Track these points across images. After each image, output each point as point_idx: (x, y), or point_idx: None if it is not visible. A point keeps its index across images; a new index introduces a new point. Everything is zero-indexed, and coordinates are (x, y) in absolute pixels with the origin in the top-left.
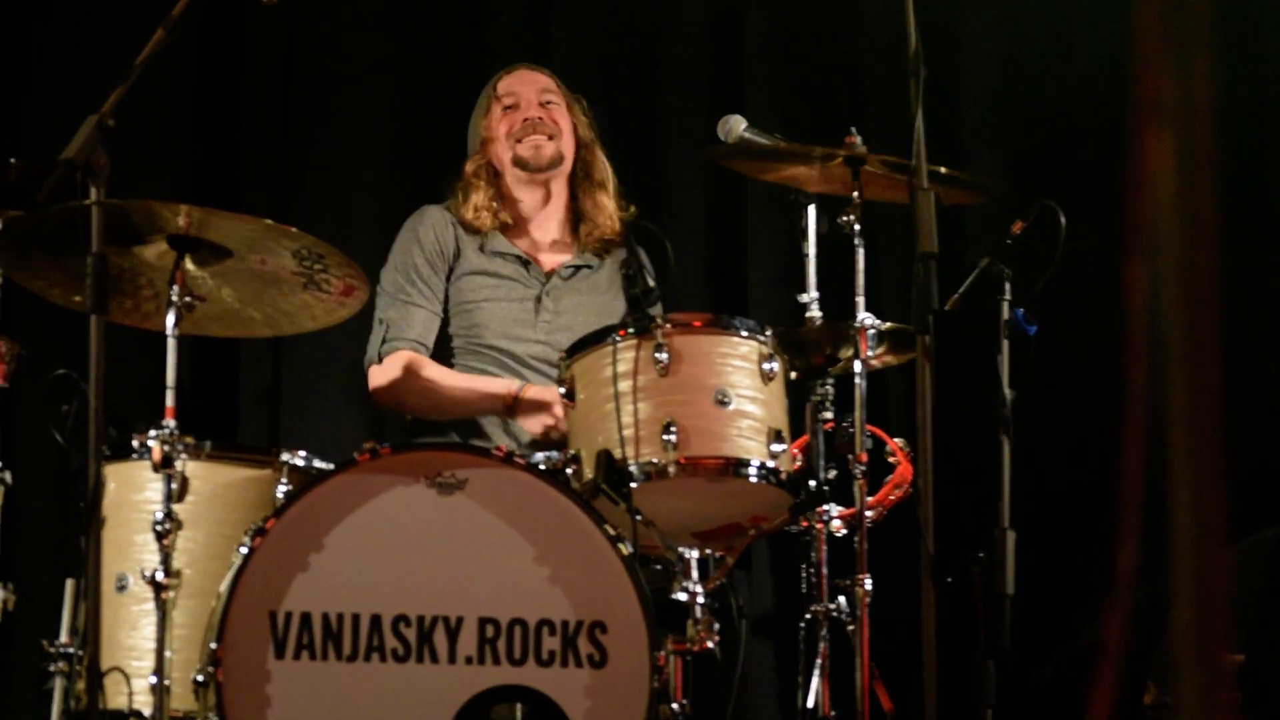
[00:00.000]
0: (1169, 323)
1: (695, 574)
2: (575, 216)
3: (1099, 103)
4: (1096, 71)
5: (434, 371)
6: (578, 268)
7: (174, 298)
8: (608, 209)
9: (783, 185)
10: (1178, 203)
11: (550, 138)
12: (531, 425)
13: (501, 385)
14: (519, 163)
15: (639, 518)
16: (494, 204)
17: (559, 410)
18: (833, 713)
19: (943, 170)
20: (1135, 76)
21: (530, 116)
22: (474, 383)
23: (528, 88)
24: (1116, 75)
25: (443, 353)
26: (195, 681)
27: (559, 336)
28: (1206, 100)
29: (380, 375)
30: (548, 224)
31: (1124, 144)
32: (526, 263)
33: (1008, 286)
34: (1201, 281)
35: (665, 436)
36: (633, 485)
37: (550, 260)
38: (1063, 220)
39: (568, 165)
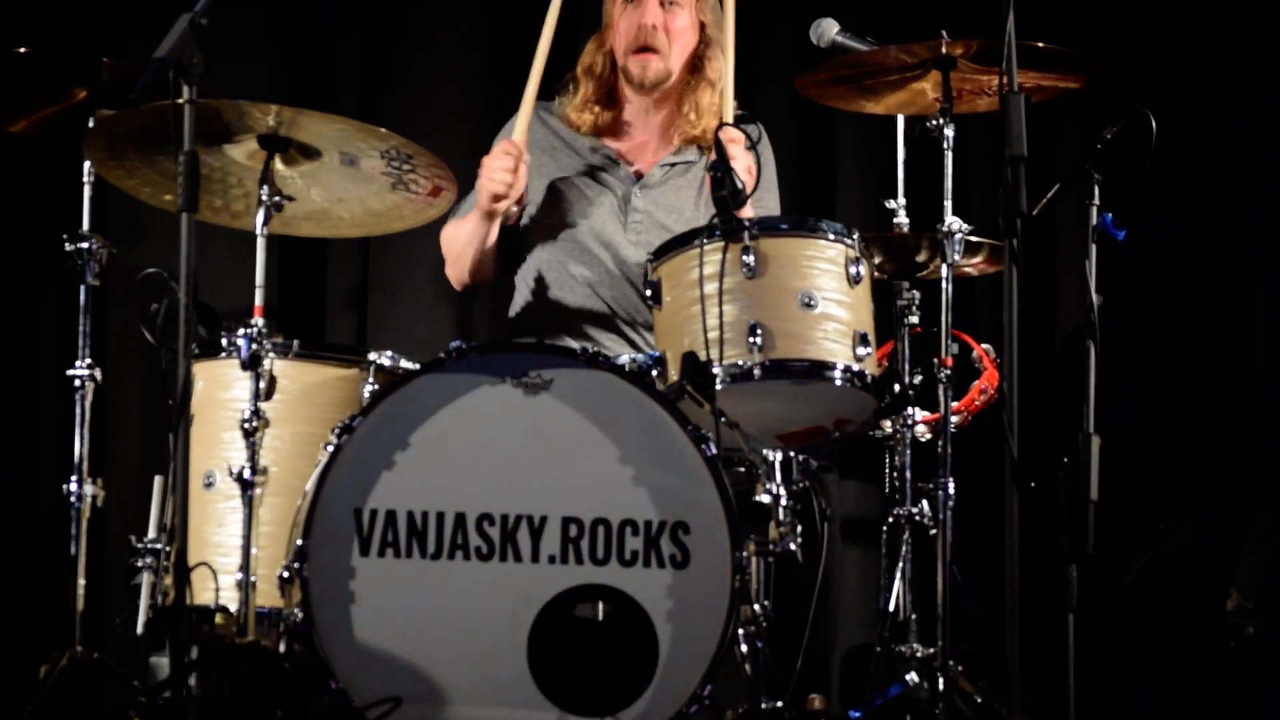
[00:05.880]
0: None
1: (779, 476)
2: (680, 113)
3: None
4: None
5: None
6: (672, 164)
7: (263, 197)
8: (711, 109)
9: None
10: None
11: (659, 53)
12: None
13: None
14: (626, 75)
15: (723, 419)
16: (598, 106)
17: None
18: (914, 616)
19: (1039, 44)
20: None
21: (645, 24)
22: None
23: None
24: None
25: (543, 251)
26: (280, 578)
27: (651, 235)
28: None
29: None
30: (650, 126)
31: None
32: (616, 164)
33: (1097, 191)
34: None
35: (751, 339)
36: (718, 387)
37: (646, 161)
38: (1154, 125)
39: (678, 77)
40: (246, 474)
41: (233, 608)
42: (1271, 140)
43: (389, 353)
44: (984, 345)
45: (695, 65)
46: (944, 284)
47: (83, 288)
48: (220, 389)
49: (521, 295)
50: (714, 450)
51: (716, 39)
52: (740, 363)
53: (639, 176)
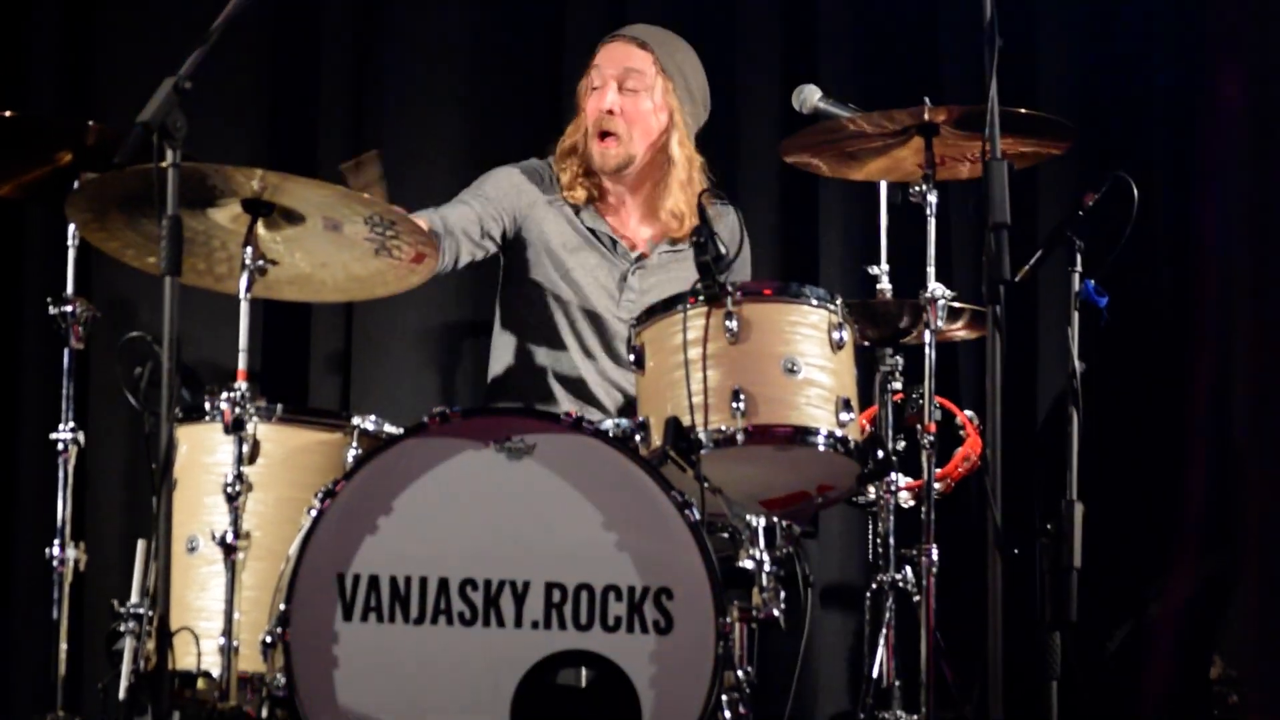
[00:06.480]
0: (1239, 262)
1: (762, 542)
2: (660, 201)
3: (1177, 72)
4: (1174, 39)
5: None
6: (675, 250)
7: (247, 261)
8: (682, 199)
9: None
10: (1251, 137)
11: (618, 139)
12: None
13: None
14: (591, 161)
15: (706, 485)
16: (585, 181)
17: None
18: (897, 682)
19: (1022, 110)
20: (1211, 11)
21: (601, 109)
22: None
23: (613, 68)
24: (1194, 43)
25: (530, 315)
26: (263, 642)
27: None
28: None
29: None
30: (634, 206)
31: (1200, 115)
32: (615, 241)
33: (1079, 258)
34: (1274, 216)
35: (734, 404)
36: (701, 452)
37: (639, 239)
38: (1136, 192)
39: (641, 160)
40: (229, 538)
41: (215, 673)
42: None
43: (372, 417)
44: (967, 412)
45: (669, 154)
46: (927, 350)
47: (66, 351)
48: (203, 453)
49: (503, 359)
50: (697, 516)
51: (679, 124)
52: (723, 428)
53: (640, 256)
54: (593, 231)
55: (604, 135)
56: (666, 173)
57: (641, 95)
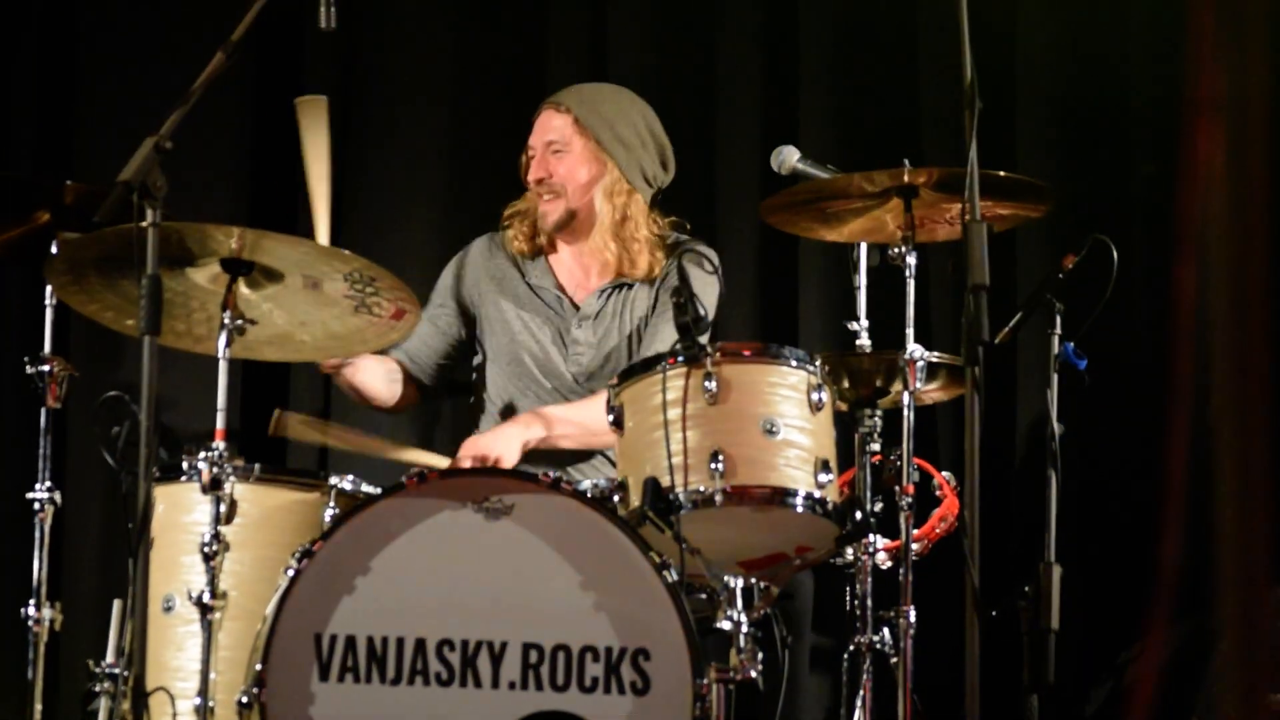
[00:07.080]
0: (1217, 324)
1: (740, 603)
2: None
3: (1158, 132)
4: (1154, 102)
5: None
6: (602, 291)
7: (226, 320)
8: (631, 244)
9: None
10: (1230, 199)
11: (557, 196)
12: None
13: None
14: (538, 222)
15: (685, 545)
16: (530, 231)
17: None
18: None
19: (1001, 174)
20: (1189, 71)
21: (536, 177)
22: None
23: (539, 137)
24: (1174, 105)
25: (500, 379)
26: (239, 703)
27: (594, 367)
28: (1261, 93)
29: None
30: (582, 254)
31: (1180, 174)
32: (559, 298)
33: (1059, 320)
34: (1252, 280)
35: (713, 465)
36: (679, 513)
37: (584, 289)
38: (1115, 255)
39: (585, 211)
40: (206, 598)
41: None
42: None
43: (350, 477)
44: (944, 473)
45: (605, 195)
46: (905, 411)
47: (43, 410)
48: (180, 512)
49: (482, 421)
50: (675, 576)
51: (616, 175)
52: (702, 489)
53: (577, 308)
54: (536, 290)
55: (544, 199)
56: (604, 218)
57: (565, 156)
